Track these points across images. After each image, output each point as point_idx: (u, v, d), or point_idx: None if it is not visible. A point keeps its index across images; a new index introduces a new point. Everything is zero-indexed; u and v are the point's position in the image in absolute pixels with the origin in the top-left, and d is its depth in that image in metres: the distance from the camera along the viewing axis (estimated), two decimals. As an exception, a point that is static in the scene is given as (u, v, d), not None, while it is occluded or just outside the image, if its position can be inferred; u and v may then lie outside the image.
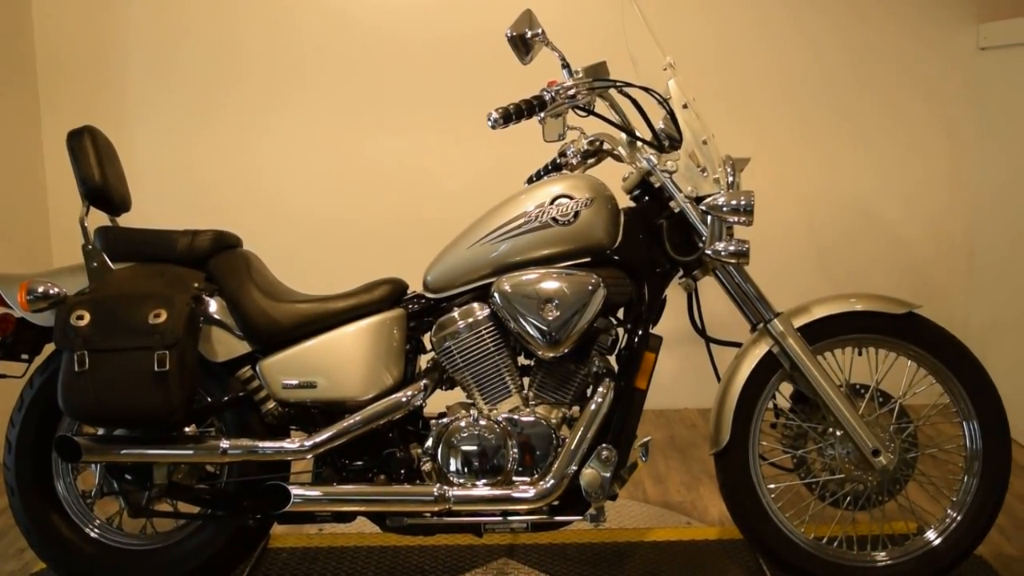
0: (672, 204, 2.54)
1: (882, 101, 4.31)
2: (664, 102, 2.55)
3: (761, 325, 2.61)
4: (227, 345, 2.58)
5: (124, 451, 2.48)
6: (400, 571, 2.86)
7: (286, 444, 2.51)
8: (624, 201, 2.64)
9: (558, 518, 2.53)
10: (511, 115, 2.39)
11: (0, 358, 2.61)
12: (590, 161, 2.77)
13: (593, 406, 2.51)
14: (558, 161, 2.79)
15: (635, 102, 2.56)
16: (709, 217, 2.47)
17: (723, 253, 2.45)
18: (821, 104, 4.31)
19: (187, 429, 2.59)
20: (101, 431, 2.53)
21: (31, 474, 2.65)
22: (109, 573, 2.67)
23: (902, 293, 2.77)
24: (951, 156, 4.35)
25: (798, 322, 2.60)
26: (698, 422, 4.31)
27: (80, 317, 2.39)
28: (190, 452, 2.49)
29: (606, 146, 2.70)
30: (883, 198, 4.37)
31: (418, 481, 2.57)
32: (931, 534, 2.66)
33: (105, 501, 2.67)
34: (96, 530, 2.70)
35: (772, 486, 2.66)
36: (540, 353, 2.51)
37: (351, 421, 2.52)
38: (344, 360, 2.56)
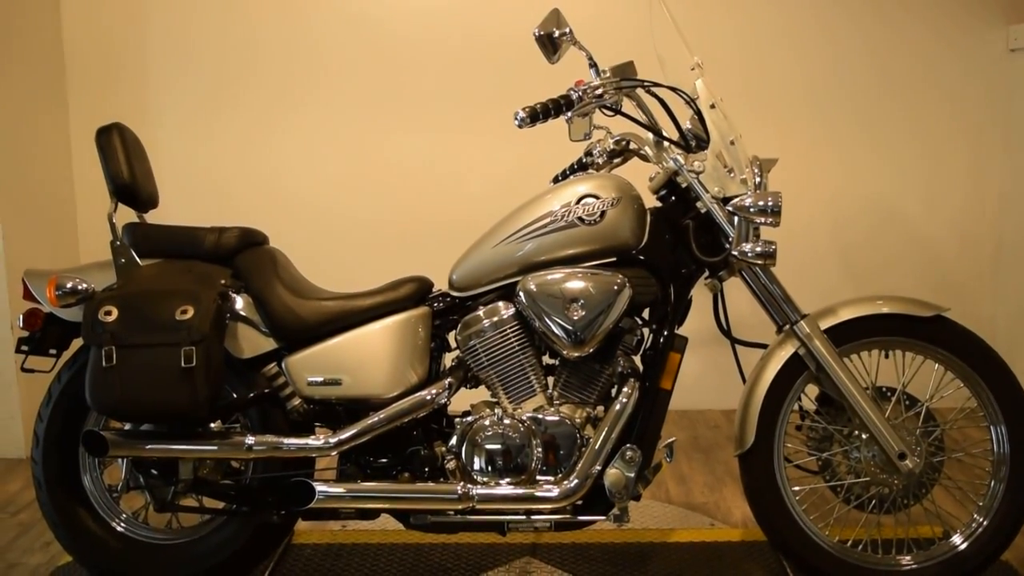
0: (699, 204, 2.54)
1: (907, 103, 4.29)
2: (691, 102, 2.54)
3: (787, 327, 2.59)
4: (253, 342, 2.59)
5: (150, 446, 2.49)
6: (423, 569, 2.87)
7: (311, 441, 2.52)
8: (650, 201, 2.63)
9: (581, 518, 2.53)
10: (538, 114, 2.38)
11: (29, 353, 2.63)
12: (616, 161, 2.77)
13: (618, 406, 2.51)
14: (584, 160, 2.79)
15: (662, 102, 2.55)
16: (736, 218, 2.47)
17: (750, 254, 2.44)
18: (845, 106, 4.29)
19: (213, 425, 2.61)
20: (128, 426, 2.54)
21: (58, 468, 2.67)
22: (135, 567, 2.68)
23: (926, 294, 2.76)
24: (976, 157, 4.32)
25: (825, 324, 2.58)
26: (722, 423, 4.29)
27: (108, 313, 2.40)
28: (216, 448, 2.51)
29: (632, 146, 2.70)
30: (907, 200, 4.34)
31: (442, 479, 2.57)
32: (957, 539, 2.64)
33: (131, 495, 2.69)
34: (122, 524, 2.72)
35: (797, 488, 2.65)
36: (565, 352, 2.51)
37: (375, 419, 2.52)
38: (369, 358, 2.57)
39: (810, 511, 2.66)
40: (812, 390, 2.68)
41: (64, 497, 2.68)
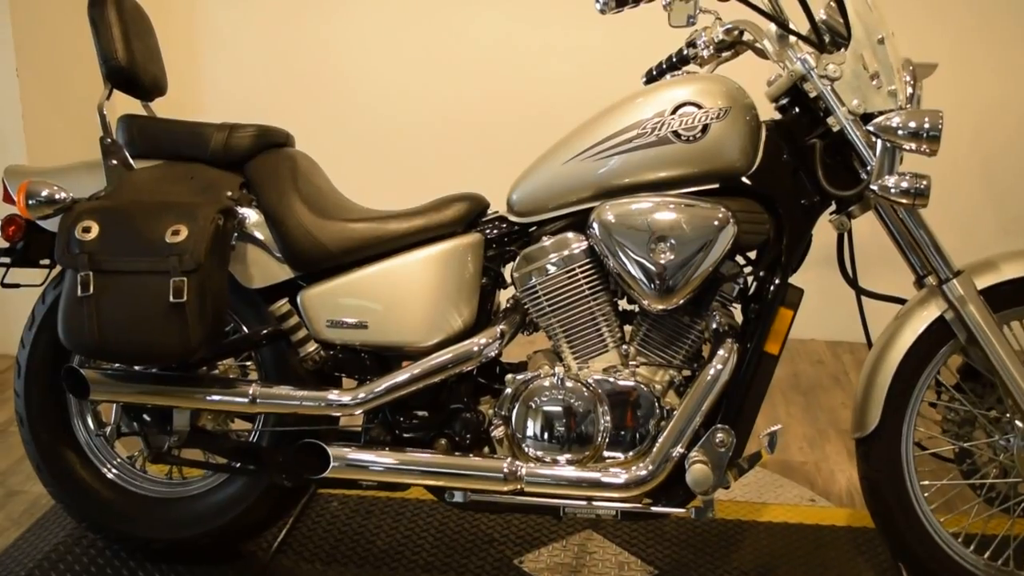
0: (830, 120, 1.97)
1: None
2: (830, -15, 1.95)
3: (935, 284, 2.04)
4: (265, 269, 2.13)
5: (139, 391, 2.09)
6: (465, 539, 2.44)
7: (329, 396, 2.07)
8: (767, 112, 2.07)
9: (655, 510, 2.05)
10: (628, -4, 1.85)
11: (11, 265, 2.23)
12: (725, 55, 2.23)
13: (711, 372, 2.00)
14: (685, 53, 2.25)
15: (792, -16, 1.96)
16: (879, 141, 1.91)
17: (894, 190, 1.89)
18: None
19: (223, 363, 2.20)
20: (116, 365, 2.13)
21: (43, 403, 2.29)
22: (128, 522, 2.30)
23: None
24: None
25: (982, 283, 2.03)
26: (826, 358, 3.76)
27: (87, 229, 1.97)
28: (215, 397, 2.08)
29: (747, 37, 2.15)
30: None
31: (487, 449, 2.11)
32: None
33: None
34: (114, 470, 2.34)
35: (926, 483, 2.14)
36: (647, 303, 2.00)
37: (409, 374, 2.06)
38: (404, 295, 2.10)
39: (940, 509, 2.15)
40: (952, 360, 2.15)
41: (50, 437, 2.30)
